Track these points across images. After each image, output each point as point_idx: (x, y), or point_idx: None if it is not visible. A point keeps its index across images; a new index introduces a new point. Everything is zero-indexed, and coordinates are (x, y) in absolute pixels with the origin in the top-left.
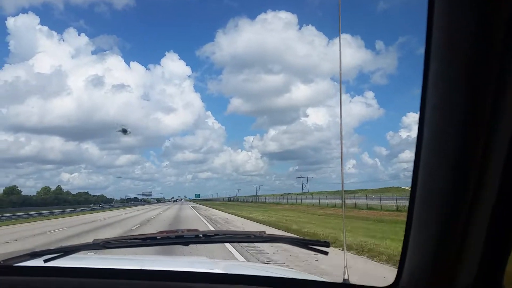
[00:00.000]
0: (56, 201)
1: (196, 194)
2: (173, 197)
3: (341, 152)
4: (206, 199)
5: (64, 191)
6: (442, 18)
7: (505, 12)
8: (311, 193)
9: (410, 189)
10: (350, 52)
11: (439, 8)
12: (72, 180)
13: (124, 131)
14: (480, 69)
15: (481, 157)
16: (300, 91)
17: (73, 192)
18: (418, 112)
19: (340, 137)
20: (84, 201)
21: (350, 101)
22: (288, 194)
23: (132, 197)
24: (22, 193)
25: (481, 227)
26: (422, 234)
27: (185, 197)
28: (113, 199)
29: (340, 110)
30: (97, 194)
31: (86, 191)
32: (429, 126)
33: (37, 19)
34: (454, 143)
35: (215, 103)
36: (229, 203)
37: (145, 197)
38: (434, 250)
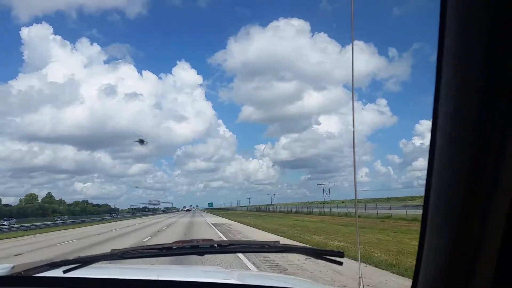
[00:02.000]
0: (41, 211)
1: (209, 203)
2: (184, 207)
3: (354, 162)
4: (220, 208)
5: (57, 199)
6: (455, 26)
7: None
8: (334, 202)
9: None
10: (363, 59)
11: (451, 16)
12: (86, 190)
13: (141, 142)
14: (493, 77)
15: (494, 165)
16: (312, 99)
17: (68, 202)
18: (431, 120)
19: (353, 150)
20: (81, 212)
21: (363, 109)
22: (313, 202)
23: (141, 207)
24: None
25: (495, 235)
26: (437, 243)
27: (197, 206)
28: (118, 208)
29: (353, 118)
30: (99, 203)
31: (86, 199)
32: (442, 134)
33: (50, 29)
34: (467, 151)
35: (227, 111)
36: (249, 212)
37: (155, 207)
38: (449, 259)
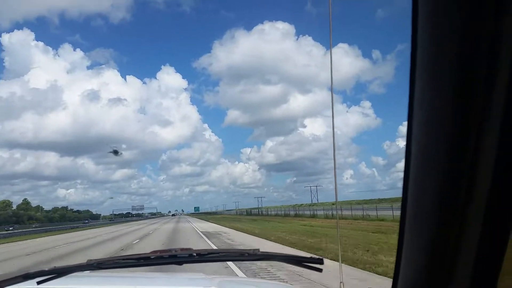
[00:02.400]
0: (15, 219)
1: (195, 207)
2: (170, 211)
3: (334, 164)
4: (207, 213)
5: (33, 206)
6: (426, 34)
7: (489, 26)
8: (324, 204)
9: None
10: (347, 61)
11: (422, 23)
12: (69, 196)
13: (115, 152)
14: (466, 83)
15: (469, 170)
16: (297, 102)
17: (48, 208)
18: (406, 129)
19: (333, 151)
20: (60, 219)
21: (347, 111)
22: (301, 205)
23: (125, 212)
24: None
25: (472, 238)
26: (415, 246)
27: (183, 211)
28: (100, 214)
29: (333, 124)
30: (80, 209)
31: (66, 205)
32: (416, 142)
33: (32, 35)
34: (442, 156)
35: (212, 116)
36: (240, 217)
37: (138, 212)
38: (427, 261)
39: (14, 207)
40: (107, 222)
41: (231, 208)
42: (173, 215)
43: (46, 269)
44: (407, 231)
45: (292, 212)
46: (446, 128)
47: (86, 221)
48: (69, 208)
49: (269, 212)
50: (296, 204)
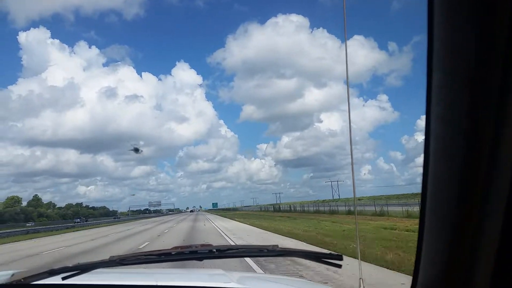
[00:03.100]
0: (23, 216)
1: (213, 203)
2: (187, 208)
3: (352, 161)
4: (226, 209)
5: (45, 202)
6: (442, 29)
7: (506, 20)
8: (349, 199)
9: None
10: (363, 54)
11: (438, 19)
12: (89, 193)
13: (136, 150)
14: (483, 78)
15: (488, 165)
16: (313, 96)
17: (58, 205)
18: (424, 123)
19: (350, 148)
20: (73, 216)
21: (364, 105)
22: (323, 201)
23: (142, 209)
24: None
25: (493, 234)
26: (434, 243)
27: (201, 207)
28: (116, 211)
29: (349, 117)
30: (96, 206)
31: (80, 202)
32: (435, 137)
33: (48, 33)
34: (460, 152)
35: (228, 111)
36: (263, 213)
37: (156, 208)
38: (447, 259)
39: (25, 203)
40: (111, 221)
41: (249, 204)
42: (191, 211)
43: (70, 265)
44: (426, 229)
45: (321, 208)
46: (465, 123)
47: (78, 219)
48: (84, 205)
49: (296, 208)
50: (318, 200)
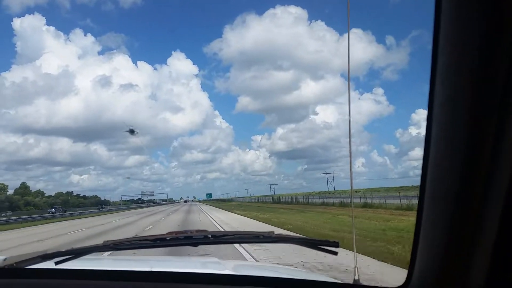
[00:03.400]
0: (8, 204)
1: (207, 194)
2: (181, 198)
3: (350, 153)
4: (220, 200)
5: (33, 190)
6: (449, 15)
7: (510, 19)
8: (345, 191)
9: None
10: (361, 47)
11: (446, 4)
12: (82, 182)
13: (132, 132)
14: (488, 65)
15: (491, 154)
16: (309, 88)
17: (51, 194)
18: (427, 110)
19: (349, 139)
20: (62, 205)
21: (359, 98)
22: (319, 192)
23: (135, 198)
24: None
25: (492, 226)
26: (432, 234)
27: (194, 197)
28: (108, 200)
29: (349, 109)
30: (87, 195)
31: (71, 190)
32: (438, 124)
33: (43, 20)
34: (463, 140)
35: (223, 102)
36: (262, 204)
37: (149, 198)
38: (444, 250)
39: (12, 191)
40: (95, 211)
41: (243, 195)
42: (185, 201)
43: (64, 250)
44: (424, 221)
45: (320, 200)
46: (468, 110)
47: (53, 209)
48: (74, 194)
49: (297, 200)
50: (313, 192)
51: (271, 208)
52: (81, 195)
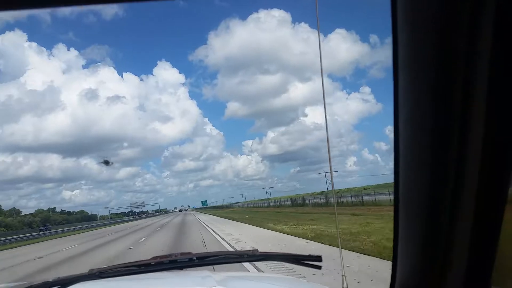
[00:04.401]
0: None
1: (202, 201)
2: (175, 207)
3: (328, 151)
4: (216, 207)
5: (44, 209)
6: (405, 32)
7: (466, 23)
8: (344, 190)
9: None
10: (345, 47)
11: (401, 23)
12: (74, 198)
13: (106, 163)
14: (446, 80)
15: (456, 164)
16: (298, 90)
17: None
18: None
19: (327, 138)
20: (42, 223)
21: (347, 98)
22: (321, 192)
23: (127, 211)
24: None
25: (464, 231)
26: (409, 241)
27: (189, 206)
28: (96, 215)
29: (325, 111)
30: (75, 210)
31: (53, 207)
32: (404, 139)
33: (24, 36)
34: (428, 153)
35: (212, 109)
36: (268, 209)
37: (142, 210)
38: (422, 256)
39: None
40: (33, 236)
41: (238, 200)
42: (179, 210)
43: (51, 280)
44: (401, 227)
45: (323, 200)
46: (431, 125)
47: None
48: (57, 210)
49: (302, 201)
50: (315, 192)
51: (287, 213)
52: (66, 210)
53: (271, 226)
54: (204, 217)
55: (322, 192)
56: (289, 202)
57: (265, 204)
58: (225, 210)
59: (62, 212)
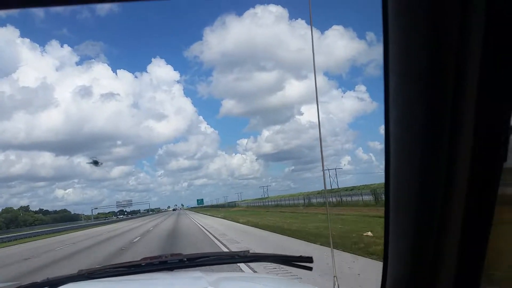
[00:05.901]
0: None
1: (198, 200)
2: (169, 207)
3: (321, 151)
4: (215, 205)
5: (37, 208)
6: (396, 32)
7: (457, 23)
8: (347, 189)
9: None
10: (342, 44)
11: (392, 22)
12: (67, 196)
13: (96, 163)
14: (436, 80)
15: (446, 164)
16: (293, 88)
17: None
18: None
19: (319, 138)
20: (6, 225)
21: (342, 96)
22: (322, 191)
23: (116, 211)
24: None
25: (455, 231)
26: (399, 244)
27: (182, 205)
28: (81, 214)
29: (317, 109)
30: (56, 209)
31: (27, 205)
32: (394, 140)
33: (16, 32)
34: (419, 153)
35: (207, 107)
36: (283, 209)
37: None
38: (412, 259)
39: None
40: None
41: (233, 199)
42: (173, 210)
43: (39, 281)
44: (391, 227)
45: (332, 200)
46: (422, 125)
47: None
48: (31, 209)
49: (313, 200)
50: (316, 191)
51: (317, 214)
52: (44, 209)
53: None
54: (203, 219)
55: (321, 191)
56: (286, 201)
57: (265, 204)
58: (229, 210)
59: (38, 211)
